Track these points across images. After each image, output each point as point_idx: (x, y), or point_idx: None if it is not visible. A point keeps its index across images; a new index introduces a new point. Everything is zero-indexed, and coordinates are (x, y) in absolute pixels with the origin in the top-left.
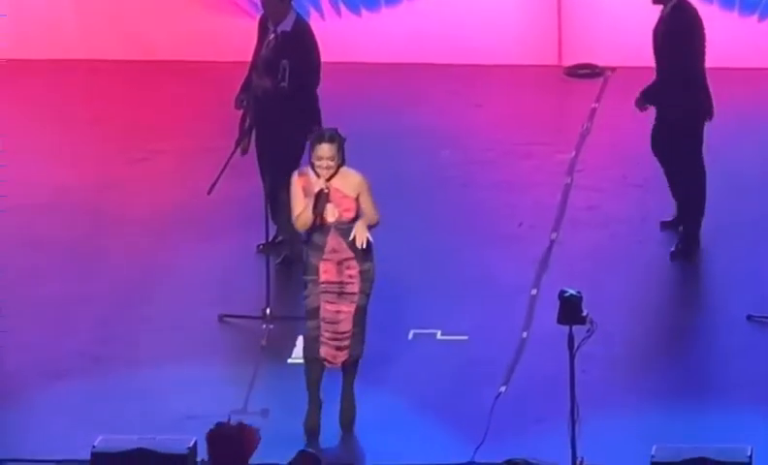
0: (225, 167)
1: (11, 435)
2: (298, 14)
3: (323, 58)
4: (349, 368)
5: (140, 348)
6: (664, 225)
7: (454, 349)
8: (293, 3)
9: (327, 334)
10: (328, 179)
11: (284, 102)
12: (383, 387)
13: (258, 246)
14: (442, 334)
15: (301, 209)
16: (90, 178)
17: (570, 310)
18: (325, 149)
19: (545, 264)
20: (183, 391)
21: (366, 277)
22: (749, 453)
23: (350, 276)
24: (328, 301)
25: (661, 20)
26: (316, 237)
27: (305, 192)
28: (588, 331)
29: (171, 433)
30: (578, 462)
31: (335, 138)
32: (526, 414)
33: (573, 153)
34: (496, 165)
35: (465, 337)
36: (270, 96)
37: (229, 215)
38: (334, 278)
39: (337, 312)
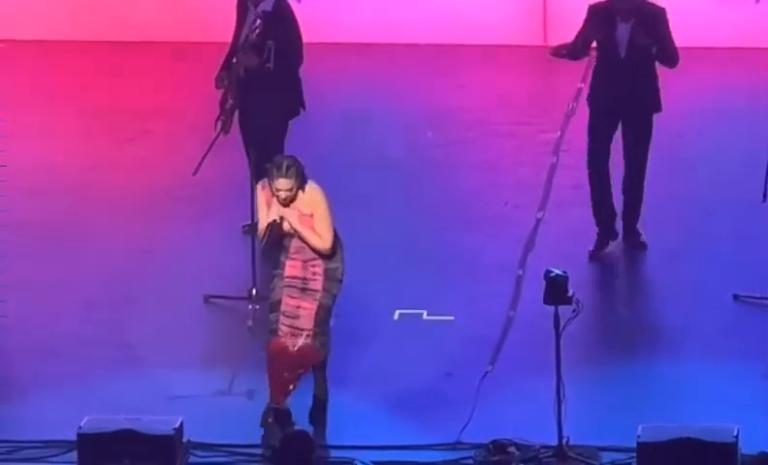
0: (210, 148)
1: None
2: None
3: (311, 38)
4: (318, 366)
5: (125, 329)
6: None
7: (440, 329)
8: None
9: (284, 328)
10: (287, 204)
11: (267, 80)
12: (368, 367)
13: (243, 226)
14: (428, 314)
15: (264, 224)
16: (76, 159)
17: (556, 290)
18: (282, 183)
19: (531, 244)
20: (169, 372)
21: (331, 276)
22: (735, 433)
23: (314, 273)
24: (290, 296)
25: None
26: (284, 239)
27: (269, 205)
28: (573, 311)
29: (157, 414)
30: (564, 442)
31: (291, 168)
32: (512, 394)
33: (558, 133)
34: (481, 145)
35: (452, 317)
36: (252, 75)
37: (214, 196)
38: (298, 274)
39: (298, 307)
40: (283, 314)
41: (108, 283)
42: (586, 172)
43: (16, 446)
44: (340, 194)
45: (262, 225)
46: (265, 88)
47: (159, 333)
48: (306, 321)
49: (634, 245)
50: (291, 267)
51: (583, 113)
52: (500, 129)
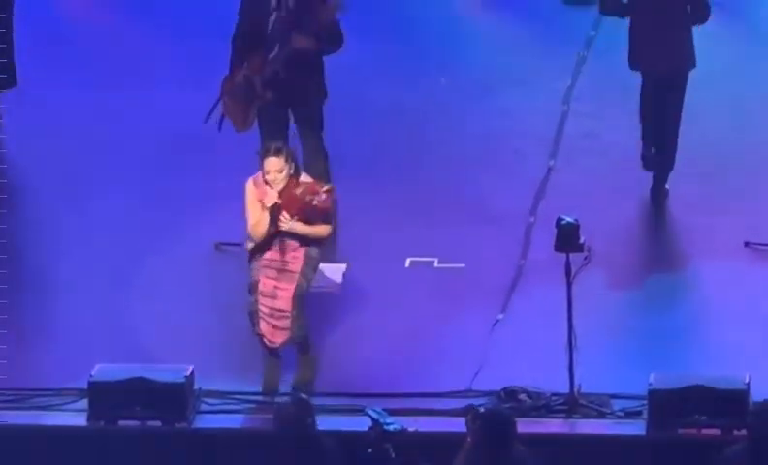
0: (220, 97)
1: (7, 365)
2: None
3: None
4: (300, 348)
5: (135, 277)
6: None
7: (451, 277)
8: None
9: (264, 309)
10: (281, 192)
11: (310, 63)
12: (379, 314)
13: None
14: (439, 262)
15: (257, 219)
16: (83, 104)
17: (567, 237)
18: (272, 162)
19: (542, 192)
20: (179, 320)
21: (310, 262)
22: (746, 380)
23: (294, 256)
24: (267, 277)
25: None
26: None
27: (262, 204)
28: (585, 259)
29: (168, 362)
30: (575, 390)
31: (281, 150)
32: (523, 342)
33: (570, 81)
34: (493, 92)
35: (462, 265)
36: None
37: (224, 143)
38: (277, 257)
39: (276, 287)
40: (261, 294)
41: (117, 229)
42: (597, 122)
43: (28, 394)
44: (352, 141)
45: (252, 220)
46: (307, 71)
47: (169, 280)
48: (285, 302)
49: (659, 199)
50: (269, 250)
51: (593, 62)
52: (514, 77)
